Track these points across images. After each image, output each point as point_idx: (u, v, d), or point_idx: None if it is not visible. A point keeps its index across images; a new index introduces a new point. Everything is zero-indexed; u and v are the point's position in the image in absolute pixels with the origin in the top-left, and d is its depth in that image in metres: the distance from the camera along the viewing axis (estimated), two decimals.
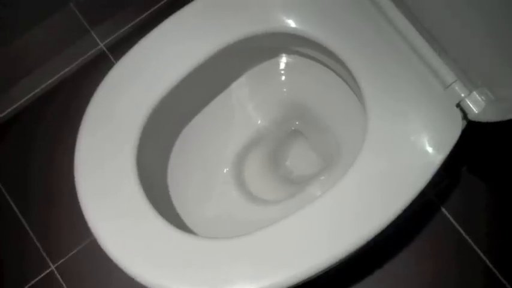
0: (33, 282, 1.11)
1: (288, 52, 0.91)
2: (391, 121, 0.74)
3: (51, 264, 1.11)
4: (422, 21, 0.75)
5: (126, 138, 0.77)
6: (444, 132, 0.73)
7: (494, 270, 1.05)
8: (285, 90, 0.96)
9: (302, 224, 0.71)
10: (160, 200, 0.83)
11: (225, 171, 0.95)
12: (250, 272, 0.69)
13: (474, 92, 0.73)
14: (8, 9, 1.17)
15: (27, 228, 1.13)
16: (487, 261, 1.05)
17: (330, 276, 0.88)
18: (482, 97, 0.72)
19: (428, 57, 0.75)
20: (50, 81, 1.22)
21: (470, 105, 0.73)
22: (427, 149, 0.72)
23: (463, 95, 0.73)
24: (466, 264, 1.06)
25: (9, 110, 1.21)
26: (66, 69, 1.22)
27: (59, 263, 1.11)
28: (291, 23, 0.79)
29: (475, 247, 1.06)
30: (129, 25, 1.24)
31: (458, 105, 0.74)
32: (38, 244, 1.12)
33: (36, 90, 1.22)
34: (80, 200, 0.75)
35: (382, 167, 0.72)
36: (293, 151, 1.01)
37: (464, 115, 0.74)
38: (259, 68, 0.93)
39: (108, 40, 1.24)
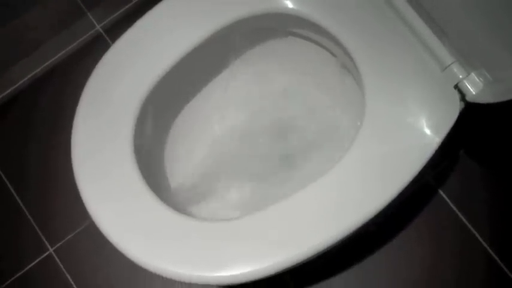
0: (31, 265, 1.11)
1: (286, 34, 0.90)
2: (389, 103, 0.74)
3: (49, 247, 1.12)
4: (421, 2, 0.75)
5: (122, 120, 0.76)
6: (442, 113, 0.73)
7: (492, 252, 1.05)
8: (283, 71, 0.95)
9: (302, 204, 0.71)
10: (158, 182, 0.83)
11: (227, 151, 0.95)
12: (250, 252, 0.70)
13: (472, 74, 0.72)
14: None
15: (25, 211, 1.13)
16: (485, 244, 1.05)
17: (327, 258, 0.88)
18: (481, 78, 0.72)
19: (426, 39, 0.74)
20: (46, 63, 1.22)
21: (469, 86, 0.72)
22: (425, 130, 0.72)
23: (461, 76, 0.73)
24: (464, 246, 1.07)
25: (6, 92, 1.21)
26: (63, 51, 1.22)
27: (57, 245, 1.12)
28: (289, 4, 0.79)
29: (473, 229, 1.06)
30: (126, 7, 1.24)
31: (456, 87, 0.73)
32: (36, 227, 1.12)
33: (33, 73, 1.21)
34: (77, 183, 0.75)
35: (380, 149, 0.72)
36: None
37: (462, 96, 0.74)
38: (256, 49, 0.92)
39: (105, 22, 1.24)
